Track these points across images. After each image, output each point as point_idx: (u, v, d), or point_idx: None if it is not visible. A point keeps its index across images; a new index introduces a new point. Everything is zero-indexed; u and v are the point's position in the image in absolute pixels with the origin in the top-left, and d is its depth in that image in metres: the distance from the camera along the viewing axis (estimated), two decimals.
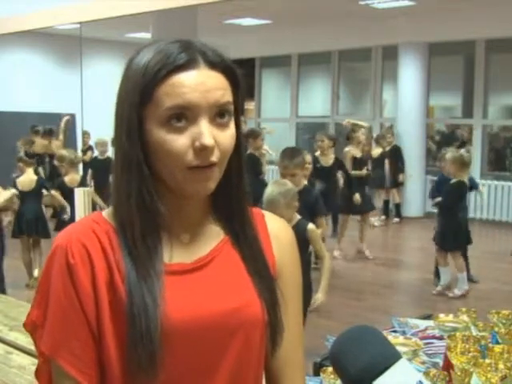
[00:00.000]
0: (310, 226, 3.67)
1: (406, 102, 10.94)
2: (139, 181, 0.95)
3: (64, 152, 6.40)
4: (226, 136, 0.96)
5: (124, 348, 0.92)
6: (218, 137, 0.94)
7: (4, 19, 3.90)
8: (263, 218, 1.10)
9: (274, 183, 3.75)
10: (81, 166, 7.43)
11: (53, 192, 6.19)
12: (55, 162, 6.32)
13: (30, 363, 2.52)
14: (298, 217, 3.67)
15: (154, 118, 0.93)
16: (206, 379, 0.97)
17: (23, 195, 6.13)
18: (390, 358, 0.85)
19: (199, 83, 0.93)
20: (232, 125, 0.97)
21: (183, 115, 0.93)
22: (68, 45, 9.60)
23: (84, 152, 9.11)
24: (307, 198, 4.23)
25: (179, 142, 0.93)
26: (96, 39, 11.41)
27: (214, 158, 0.94)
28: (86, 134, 10.35)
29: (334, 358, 0.90)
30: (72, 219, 5.52)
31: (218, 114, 0.95)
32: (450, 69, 11.77)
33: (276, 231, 1.09)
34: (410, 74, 10.96)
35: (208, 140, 0.92)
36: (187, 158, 0.93)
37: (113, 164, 1.00)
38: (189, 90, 0.92)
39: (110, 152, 8.60)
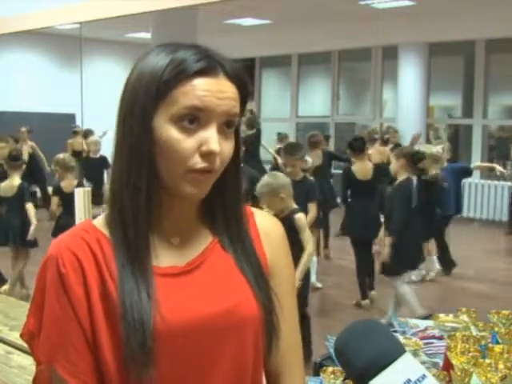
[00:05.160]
0: (298, 215, 3.98)
1: (406, 102, 10.94)
2: (149, 176, 0.95)
3: (60, 155, 5.96)
4: (228, 147, 0.97)
5: (120, 353, 0.92)
6: (221, 145, 0.95)
7: (4, 19, 3.90)
8: (252, 216, 1.10)
9: (268, 175, 4.21)
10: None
11: (28, 205, 5.67)
12: (52, 166, 5.88)
13: (31, 363, 2.52)
14: (292, 207, 4.02)
15: (167, 115, 0.94)
16: (203, 379, 0.97)
17: (4, 202, 5.75)
18: (394, 352, 0.85)
19: (218, 90, 0.94)
20: (233, 138, 0.99)
21: (196, 117, 0.94)
22: (68, 45, 9.59)
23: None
24: (304, 187, 4.88)
25: (187, 143, 0.93)
26: (96, 39, 11.41)
27: (216, 165, 0.95)
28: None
29: (339, 352, 0.90)
30: (67, 225, 5.28)
31: (226, 124, 0.96)
32: (450, 69, 11.78)
33: (266, 228, 1.09)
34: (410, 74, 10.97)
35: (215, 145, 0.93)
36: (191, 160, 0.94)
37: (115, 156, 0.99)
38: (208, 93, 0.93)
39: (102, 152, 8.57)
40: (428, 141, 11.26)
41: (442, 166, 6.43)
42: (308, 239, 3.95)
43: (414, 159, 4.99)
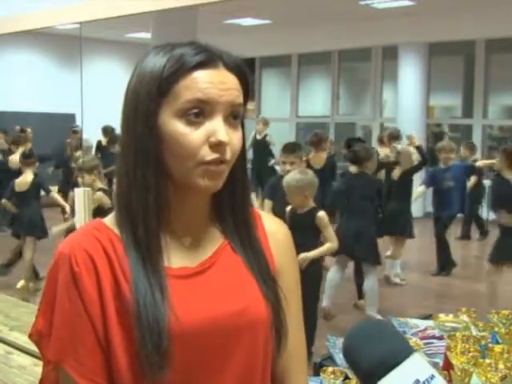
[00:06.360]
0: (320, 213, 4.08)
1: (406, 102, 10.94)
2: (157, 175, 0.95)
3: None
4: (237, 137, 0.97)
5: (132, 353, 0.91)
6: (230, 136, 0.95)
7: (4, 19, 3.90)
8: (260, 218, 1.10)
9: (300, 171, 4.27)
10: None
11: (52, 193, 6.27)
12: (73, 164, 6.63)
13: (31, 363, 2.53)
14: (312, 205, 4.11)
15: (171, 111, 0.94)
16: (214, 380, 0.97)
17: (19, 196, 6.16)
18: (402, 352, 0.85)
19: (219, 81, 0.94)
20: (240, 128, 0.99)
21: (201, 110, 0.93)
22: (68, 45, 9.60)
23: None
24: None
25: (194, 136, 0.93)
26: (96, 39, 11.41)
27: (227, 155, 0.95)
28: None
29: (347, 352, 0.90)
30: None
31: (232, 115, 0.96)
32: (450, 69, 11.78)
33: (273, 231, 1.10)
34: (410, 74, 10.97)
35: (224, 136, 0.93)
36: (201, 152, 0.93)
37: (121, 157, 0.98)
38: (209, 85, 0.94)
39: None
40: (428, 140, 11.28)
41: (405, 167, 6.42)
42: (331, 235, 4.13)
43: (348, 159, 5.37)
